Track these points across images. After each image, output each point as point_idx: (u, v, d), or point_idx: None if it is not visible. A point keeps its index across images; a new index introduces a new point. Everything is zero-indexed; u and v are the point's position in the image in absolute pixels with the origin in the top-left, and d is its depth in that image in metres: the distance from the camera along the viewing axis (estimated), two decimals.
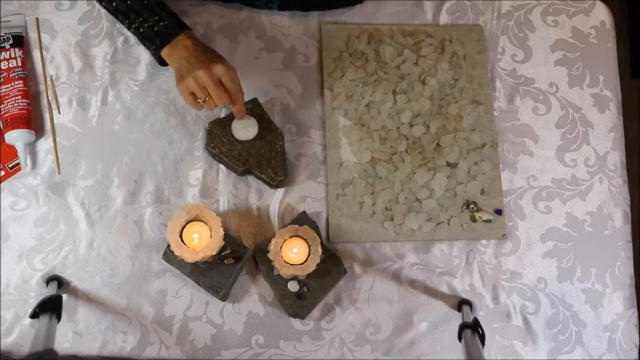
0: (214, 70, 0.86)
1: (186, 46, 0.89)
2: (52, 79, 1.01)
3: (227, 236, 0.91)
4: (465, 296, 0.97)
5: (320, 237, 0.92)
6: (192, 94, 0.88)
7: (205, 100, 0.88)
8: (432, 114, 1.04)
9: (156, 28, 0.90)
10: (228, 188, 0.98)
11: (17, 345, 0.90)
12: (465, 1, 1.11)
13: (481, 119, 1.04)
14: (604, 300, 0.99)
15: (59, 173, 0.97)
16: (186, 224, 0.89)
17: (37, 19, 1.02)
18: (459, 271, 0.99)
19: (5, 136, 0.95)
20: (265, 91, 1.03)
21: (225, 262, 0.91)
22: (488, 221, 1.00)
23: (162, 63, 0.93)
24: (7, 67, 0.98)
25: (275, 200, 0.99)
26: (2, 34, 1.00)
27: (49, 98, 1.00)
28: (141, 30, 0.91)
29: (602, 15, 1.12)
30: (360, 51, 1.06)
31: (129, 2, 0.90)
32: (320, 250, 0.89)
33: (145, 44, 0.93)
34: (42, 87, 1.00)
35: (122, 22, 0.94)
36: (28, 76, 0.99)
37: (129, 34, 1.03)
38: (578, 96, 1.08)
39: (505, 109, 1.06)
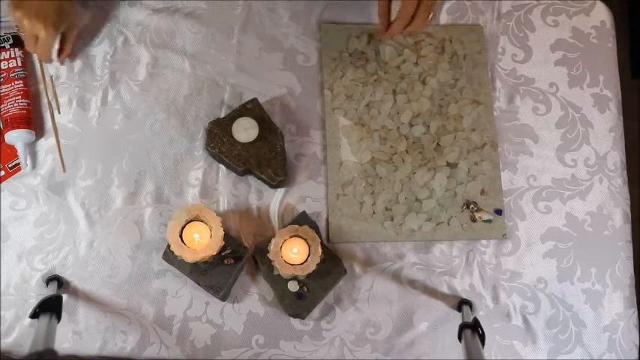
0: (35, 28, 0.90)
1: None
2: (52, 79, 1.01)
3: (227, 236, 0.91)
4: (465, 296, 0.98)
5: (320, 237, 0.92)
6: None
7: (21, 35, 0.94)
8: (432, 114, 1.04)
9: None
10: (228, 188, 0.98)
11: (17, 345, 0.90)
12: (465, 1, 1.11)
13: (481, 119, 1.04)
14: (604, 300, 0.99)
15: (64, 171, 0.96)
16: (186, 224, 0.89)
17: None
18: (459, 271, 0.99)
19: (5, 136, 0.95)
20: (265, 91, 1.03)
21: (225, 262, 0.91)
22: (488, 221, 1.00)
23: None
24: (7, 67, 0.98)
25: (275, 200, 0.99)
26: (2, 34, 1.00)
27: (49, 98, 1.00)
28: None
29: (602, 15, 1.12)
30: (360, 51, 1.06)
31: None
32: (320, 250, 0.89)
33: None
34: (42, 87, 1.00)
35: None
36: (28, 76, 0.99)
37: (129, 33, 1.03)
38: (578, 96, 1.08)
39: (505, 109, 1.06)
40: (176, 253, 0.87)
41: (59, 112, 1.00)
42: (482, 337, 0.84)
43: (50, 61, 0.98)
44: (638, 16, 1.82)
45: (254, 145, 0.97)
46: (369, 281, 0.97)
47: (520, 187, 1.03)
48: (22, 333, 0.91)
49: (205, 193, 0.98)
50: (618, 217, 1.03)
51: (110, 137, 0.99)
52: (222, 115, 1.01)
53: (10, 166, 0.96)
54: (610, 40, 1.12)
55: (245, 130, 0.96)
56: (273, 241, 0.90)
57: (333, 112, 1.03)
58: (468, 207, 1.00)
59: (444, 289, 0.98)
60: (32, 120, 0.97)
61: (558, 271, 1.00)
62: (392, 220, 0.99)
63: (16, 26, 0.94)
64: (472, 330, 0.84)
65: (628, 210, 1.04)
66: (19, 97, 0.96)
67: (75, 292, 0.93)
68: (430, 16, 0.94)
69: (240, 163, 0.96)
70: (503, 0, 1.12)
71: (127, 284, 0.94)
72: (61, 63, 1.00)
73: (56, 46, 0.98)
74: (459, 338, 0.87)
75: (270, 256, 0.89)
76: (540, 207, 1.02)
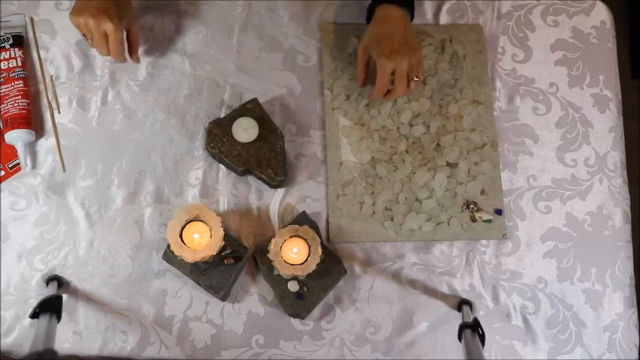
0: (103, 26, 0.89)
1: None
2: (52, 79, 1.01)
3: (227, 236, 0.91)
4: (465, 296, 0.98)
5: (320, 237, 0.92)
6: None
7: (90, 43, 0.93)
8: (432, 114, 1.04)
9: None
10: (228, 188, 0.98)
11: (17, 345, 0.90)
12: (465, 1, 1.11)
13: (481, 119, 1.04)
14: (604, 300, 0.99)
15: (64, 171, 0.97)
16: (186, 224, 0.89)
17: (31, 19, 1.02)
18: (459, 271, 0.99)
19: (5, 136, 0.95)
20: (265, 91, 1.03)
21: (225, 262, 0.91)
22: (488, 221, 1.00)
23: None
24: (7, 67, 0.98)
25: (275, 200, 0.99)
26: (2, 34, 1.00)
27: (49, 98, 1.00)
28: None
29: (602, 15, 1.12)
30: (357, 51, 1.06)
31: None
32: (320, 250, 0.89)
33: None
34: (42, 87, 1.00)
35: None
36: (28, 76, 0.99)
37: None
38: (578, 96, 1.08)
39: (505, 109, 1.06)
40: (176, 253, 0.87)
41: (59, 112, 1.00)
42: (482, 337, 0.84)
43: (124, 59, 0.95)
44: (638, 16, 1.82)
45: (254, 145, 0.97)
46: (369, 281, 0.97)
47: (520, 187, 1.03)
48: (22, 333, 0.91)
49: (205, 193, 0.98)
50: (618, 217, 1.03)
51: (110, 137, 0.99)
52: (222, 115, 1.01)
53: (10, 166, 0.96)
54: (610, 40, 1.12)
55: (245, 130, 0.96)
56: (273, 241, 0.90)
57: (333, 112, 1.03)
58: (468, 207, 1.00)
59: (444, 289, 0.98)
60: (32, 120, 0.97)
61: (558, 271, 1.00)
62: (392, 220, 0.99)
63: (84, 35, 0.93)
64: (472, 330, 0.84)
65: (628, 210, 1.04)
66: (19, 97, 0.96)
67: (75, 292, 0.93)
68: (413, 83, 0.94)
69: (240, 163, 0.96)
70: (503, 0, 1.12)
71: (127, 284, 0.94)
72: (137, 61, 0.99)
73: (125, 44, 0.96)
74: (459, 338, 0.87)
75: (270, 256, 0.89)
76: (540, 207, 1.02)
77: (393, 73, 0.93)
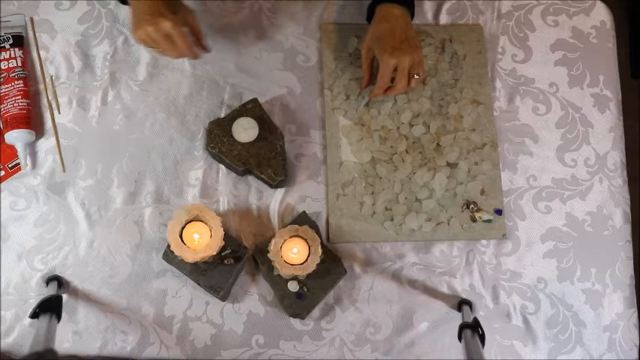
0: (162, 26, 0.87)
1: None
2: (52, 79, 1.01)
3: (227, 236, 0.91)
4: (465, 296, 0.97)
5: (320, 237, 0.92)
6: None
7: (159, 49, 0.90)
8: (432, 114, 1.04)
9: None
10: (228, 188, 0.98)
11: (17, 345, 0.90)
12: (465, 1, 1.11)
13: (481, 119, 1.04)
14: (604, 300, 0.99)
15: (64, 171, 0.97)
16: (186, 224, 0.89)
17: (31, 19, 1.02)
18: (459, 271, 0.99)
19: (5, 136, 0.95)
20: (265, 91, 1.03)
21: (225, 262, 0.91)
22: (488, 221, 1.00)
23: (124, 1, 0.93)
24: (7, 67, 0.98)
25: (275, 200, 0.99)
26: (2, 34, 1.00)
27: (49, 98, 1.00)
28: None
29: (602, 15, 1.12)
30: (361, 51, 1.06)
31: None
32: (320, 250, 0.89)
33: None
34: (42, 87, 1.00)
35: None
36: (28, 76, 0.99)
37: (129, 33, 1.03)
38: (578, 96, 1.08)
39: (505, 109, 1.06)
40: (176, 253, 0.87)
41: (59, 112, 1.00)
42: (482, 337, 0.84)
43: (196, 55, 0.93)
44: (638, 16, 1.82)
45: (254, 145, 0.97)
46: (369, 281, 0.97)
47: (520, 187, 1.03)
48: (22, 333, 0.90)
49: (205, 193, 0.98)
50: (618, 217, 1.03)
51: (110, 137, 0.99)
52: (222, 115, 1.01)
53: (10, 166, 0.96)
54: (610, 40, 1.12)
55: (245, 130, 0.96)
56: (273, 241, 0.90)
57: (333, 112, 1.03)
58: (468, 207, 1.00)
59: (444, 289, 0.98)
60: (32, 120, 0.97)
61: (558, 271, 1.00)
62: (392, 220, 0.99)
63: (152, 47, 0.91)
64: (472, 330, 0.84)
65: (628, 210, 1.04)
66: (19, 97, 0.96)
67: (75, 292, 0.93)
68: (414, 81, 0.95)
69: (240, 163, 0.96)
70: (503, 0, 1.12)
71: (127, 284, 0.94)
72: (208, 49, 0.97)
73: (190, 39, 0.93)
74: (459, 338, 0.87)
75: (270, 256, 0.89)
76: (540, 207, 1.02)
77: (394, 71, 0.93)
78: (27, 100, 0.97)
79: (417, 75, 0.95)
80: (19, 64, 0.99)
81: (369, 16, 0.98)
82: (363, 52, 0.98)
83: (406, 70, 0.93)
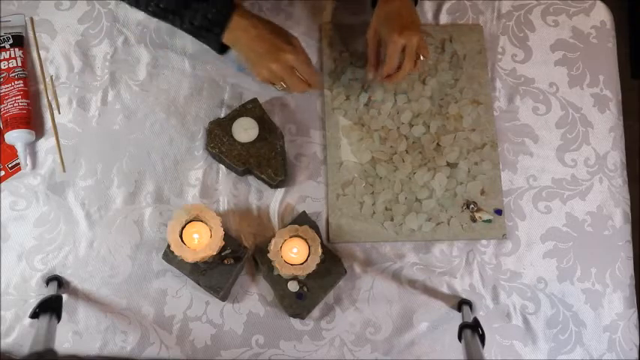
0: (285, 60, 0.87)
1: (245, 29, 0.88)
2: (52, 79, 1.01)
3: (227, 236, 0.91)
4: (465, 296, 0.97)
5: (320, 237, 0.92)
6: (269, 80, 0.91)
7: (283, 86, 0.91)
8: (432, 114, 1.04)
9: (209, 16, 0.88)
10: (228, 188, 0.98)
11: (17, 345, 0.90)
12: (465, 1, 1.11)
13: (481, 119, 1.04)
14: (604, 300, 0.99)
15: (64, 171, 0.97)
16: (186, 224, 0.89)
17: (31, 19, 1.02)
18: (459, 271, 0.99)
19: (5, 136, 0.95)
20: (265, 91, 1.03)
21: (225, 262, 0.91)
22: (488, 221, 1.00)
23: (222, 51, 0.93)
24: (7, 67, 0.98)
25: (275, 200, 0.99)
26: (2, 34, 1.00)
27: (49, 98, 1.00)
28: (195, 23, 0.89)
29: (602, 15, 1.12)
30: (361, 51, 1.06)
31: None
32: (320, 250, 0.89)
33: (202, 37, 0.91)
34: (42, 87, 1.00)
35: (173, 23, 0.92)
36: (28, 76, 0.99)
37: (129, 33, 1.03)
38: (578, 96, 1.08)
39: (505, 109, 1.06)
40: (176, 253, 0.87)
41: (59, 112, 1.00)
42: (482, 337, 0.84)
43: (321, 84, 0.97)
44: (638, 16, 1.82)
45: (254, 145, 0.97)
46: (369, 281, 0.97)
47: (520, 187, 1.03)
48: (22, 333, 0.91)
49: (205, 193, 0.98)
50: (618, 217, 1.03)
51: (110, 137, 0.99)
52: (222, 115, 1.01)
53: (10, 166, 0.96)
54: (610, 40, 1.12)
55: (245, 130, 0.96)
56: (273, 241, 0.90)
57: (333, 112, 1.03)
58: (468, 207, 1.00)
59: (444, 289, 0.98)
60: (32, 120, 0.97)
61: (558, 271, 1.00)
62: (392, 220, 0.99)
63: (281, 84, 0.92)
64: (472, 330, 0.84)
65: (628, 210, 1.04)
66: (19, 97, 0.96)
67: (75, 292, 0.93)
68: (419, 63, 0.95)
69: (240, 163, 0.96)
70: (503, 0, 1.12)
71: (127, 284, 0.94)
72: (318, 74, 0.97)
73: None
74: (459, 338, 0.87)
75: (270, 256, 0.89)
76: (540, 207, 1.02)
77: (402, 52, 0.92)
78: (27, 100, 0.97)
79: (423, 57, 0.94)
80: (19, 64, 0.99)
81: (373, 2, 0.98)
82: (370, 36, 0.97)
83: (414, 50, 0.92)
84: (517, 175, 1.03)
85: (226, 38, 0.90)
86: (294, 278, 0.92)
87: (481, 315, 0.97)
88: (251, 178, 0.99)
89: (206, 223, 0.89)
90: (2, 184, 0.96)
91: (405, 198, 0.99)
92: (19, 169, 0.96)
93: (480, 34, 1.09)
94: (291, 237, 0.90)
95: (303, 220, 0.96)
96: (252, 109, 0.99)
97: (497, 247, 1.00)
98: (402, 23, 0.91)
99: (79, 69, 1.01)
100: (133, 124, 1.00)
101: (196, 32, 0.91)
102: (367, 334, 0.95)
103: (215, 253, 0.88)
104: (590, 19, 1.12)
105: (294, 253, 0.90)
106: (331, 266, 0.94)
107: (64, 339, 0.91)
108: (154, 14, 0.92)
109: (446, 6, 1.10)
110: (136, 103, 1.01)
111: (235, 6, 0.89)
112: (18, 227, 0.94)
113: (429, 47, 1.07)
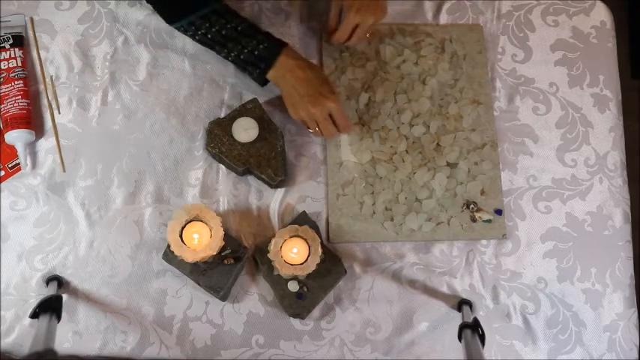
0: (327, 106, 0.91)
1: (291, 70, 0.91)
2: (52, 79, 1.01)
3: (227, 236, 0.91)
4: (465, 296, 0.97)
5: (320, 237, 0.92)
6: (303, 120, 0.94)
7: (316, 129, 0.95)
8: (432, 114, 1.04)
9: (256, 52, 0.92)
10: (228, 188, 0.98)
11: (17, 345, 0.90)
12: (465, 1, 1.11)
13: (481, 119, 1.04)
14: (604, 300, 0.99)
15: (64, 171, 0.97)
16: (186, 224, 0.89)
17: (31, 19, 1.02)
18: (459, 271, 0.99)
19: (5, 136, 0.95)
20: (265, 91, 1.03)
21: (225, 262, 0.91)
22: (488, 221, 1.00)
23: (264, 83, 0.96)
24: (7, 67, 0.98)
25: (275, 200, 0.99)
26: (2, 34, 1.00)
27: (49, 98, 1.00)
28: (241, 57, 0.93)
29: (602, 15, 1.12)
30: (361, 51, 1.06)
31: (224, 32, 0.91)
32: (320, 250, 0.89)
33: (247, 70, 0.95)
34: (42, 87, 1.00)
35: (219, 53, 0.96)
36: (28, 76, 0.99)
37: (129, 33, 1.03)
38: (578, 96, 1.08)
39: (505, 109, 1.06)
40: (176, 253, 0.87)
41: (59, 112, 1.00)
42: (482, 337, 0.84)
43: (352, 131, 1.00)
44: (638, 16, 1.82)
45: (254, 145, 0.97)
46: (369, 281, 0.97)
47: (520, 187, 1.03)
48: (22, 333, 0.91)
49: (205, 193, 0.98)
50: (618, 217, 1.03)
51: (110, 137, 0.99)
52: (222, 115, 1.01)
53: (10, 166, 0.96)
54: (610, 40, 1.12)
55: (245, 130, 0.96)
56: (273, 241, 0.90)
57: None
58: (468, 207, 1.00)
59: (444, 289, 0.98)
60: (32, 120, 0.97)
61: (558, 271, 1.00)
62: (392, 220, 0.99)
63: (309, 127, 0.95)
64: (472, 330, 0.84)
65: (628, 210, 1.04)
66: (19, 97, 0.96)
67: (75, 292, 0.93)
68: (356, 37, 0.98)
69: (240, 163, 0.96)
70: (503, 0, 1.12)
71: (127, 284, 0.94)
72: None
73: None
74: (459, 338, 0.87)
75: (270, 256, 0.89)
76: (540, 207, 1.02)
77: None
78: (27, 100, 0.97)
79: (368, 35, 1.01)
80: (19, 64, 0.99)
81: None
82: (333, 2, 0.99)
83: (365, 30, 0.97)
84: (517, 175, 1.03)
85: (271, 75, 0.93)
86: (294, 278, 0.92)
87: (481, 315, 0.97)
88: (251, 178, 0.99)
89: (206, 223, 0.89)
90: (2, 184, 0.96)
91: (405, 198, 0.99)
92: (19, 169, 0.96)
93: (480, 34, 1.09)
94: (291, 237, 0.90)
95: (303, 220, 0.96)
96: (252, 109, 0.99)
97: (497, 247, 1.00)
98: (362, 1, 0.94)
99: (79, 69, 1.01)
100: (133, 124, 1.00)
101: (242, 65, 0.95)
102: (367, 334, 0.95)
103: (215, 253, 0.88)
104: (590, 19, 1.12)
105: (294, 253, 0.90)
106: (331, 266, 0.94)
107: (64, 339, 0.91)
108: (201, 42, 0.96)
109: (446, 6, 1.10)
110: (136, 103, 1.01)
111: (283, 44, 0.93)
112: (18, 227, 0.94)
113: (429, 47, 1.07)
